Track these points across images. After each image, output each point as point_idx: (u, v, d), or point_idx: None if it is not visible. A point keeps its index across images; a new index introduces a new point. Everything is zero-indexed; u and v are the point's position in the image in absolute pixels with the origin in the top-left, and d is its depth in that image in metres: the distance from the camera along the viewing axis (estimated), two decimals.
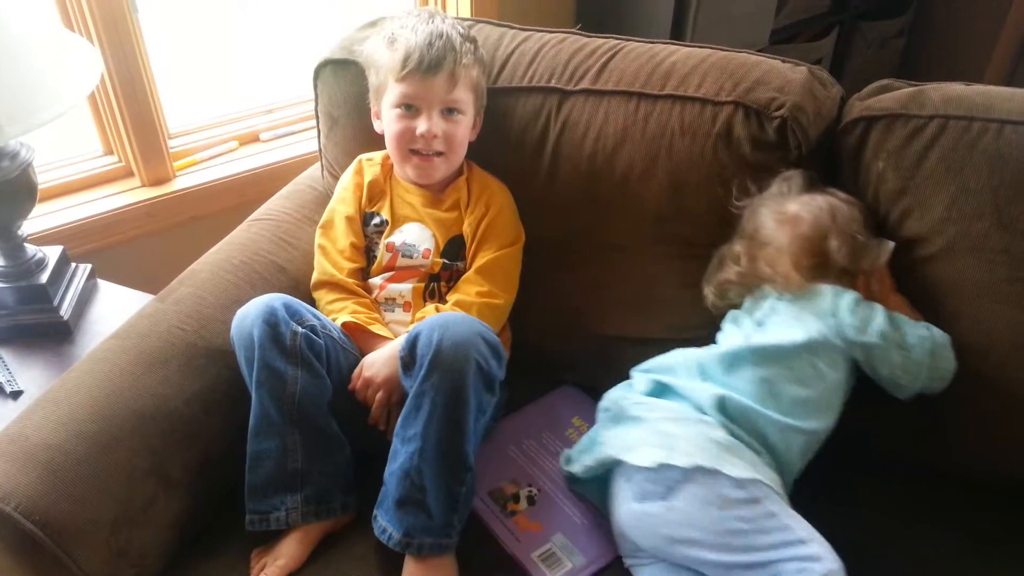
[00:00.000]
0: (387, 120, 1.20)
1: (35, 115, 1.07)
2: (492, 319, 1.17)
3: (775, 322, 1.04)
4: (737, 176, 1.13)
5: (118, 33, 1.53)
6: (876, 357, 1.01)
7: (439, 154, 1.19)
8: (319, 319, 1.10)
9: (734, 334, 1.08)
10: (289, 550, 1.01)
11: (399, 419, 1.02)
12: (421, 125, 1.16)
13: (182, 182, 1.73)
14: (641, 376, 1.10)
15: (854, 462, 1.11)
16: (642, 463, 0.96)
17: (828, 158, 1.16)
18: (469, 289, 1.18)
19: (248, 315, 1.05)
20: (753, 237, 1.09)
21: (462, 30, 1.21)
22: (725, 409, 0.99)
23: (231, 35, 1.93)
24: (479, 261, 1.20)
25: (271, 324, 1.03)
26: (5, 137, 1.06)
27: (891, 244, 1.06)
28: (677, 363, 1.08)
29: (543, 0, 2.08)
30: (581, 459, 1.07)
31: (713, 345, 1.09)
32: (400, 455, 1.00)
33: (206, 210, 1.73)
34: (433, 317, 1.03)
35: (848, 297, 1.02)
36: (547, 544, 1.04)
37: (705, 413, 1.00)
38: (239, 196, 1.74)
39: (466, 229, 1.22)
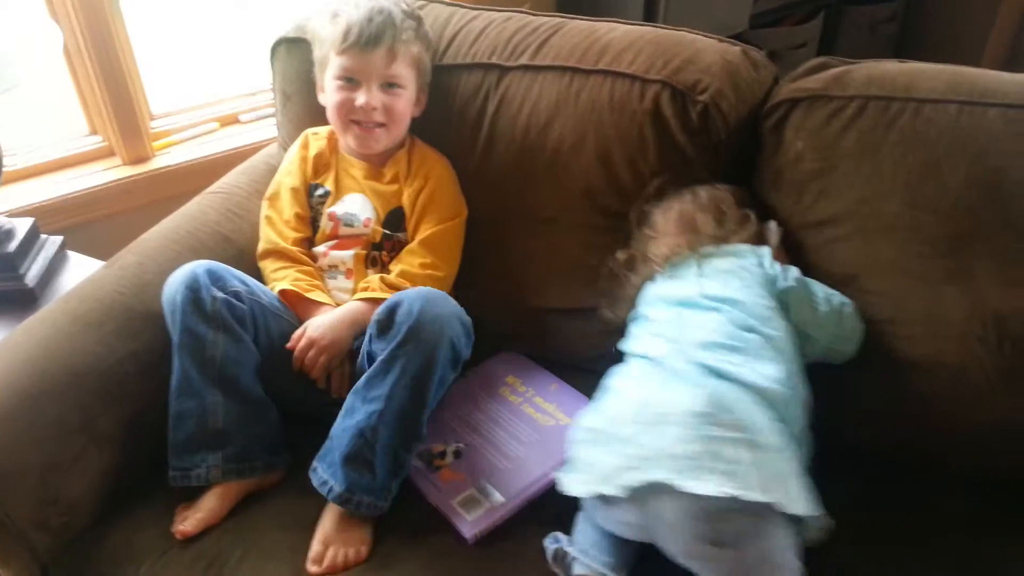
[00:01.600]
0: (328, 91, 1.24)
1: None
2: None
3: (715, 277, 1.04)
4: (663, 156, 1.16)
5: (96, 15, 1.59)
6: (793, 303, 1.02)
7: (380, 125, 1.23)
8: (247, 285, 1.15)
9: (678, 288, 1.05)
10: (209, 504, 1.06)
11: (363, 378, 1.05)
12: (360, 97, 1.20)
13: (161, 161, 1.80)
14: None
15: None
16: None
17: (752, 137, 1.17)
18: (412, 260, 1.22)
19: (173, 281, 1.10)
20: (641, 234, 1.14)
21: (405, 7, 1.24)
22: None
23: (216, 20, 1.99)
24: (422, 234, 1.24)
25: (193, 289, 1.08)
26: None
27: (775, 224, 1.09)
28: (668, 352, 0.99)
29: None
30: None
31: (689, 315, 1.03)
32: (358, 412, 1.03)
33: (183, 189, 1.76)
34: (415, 290, 1.07)
35: (766, 249, 1.05)
36: (468, 490, 1.07)
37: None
38: (217, 175, 1.77)
39: (405, 201, 1.26)
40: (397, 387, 1.02)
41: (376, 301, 1.14)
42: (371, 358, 1.07)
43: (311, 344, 1.13)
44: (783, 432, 0.89)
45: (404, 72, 1.22)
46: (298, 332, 1.14)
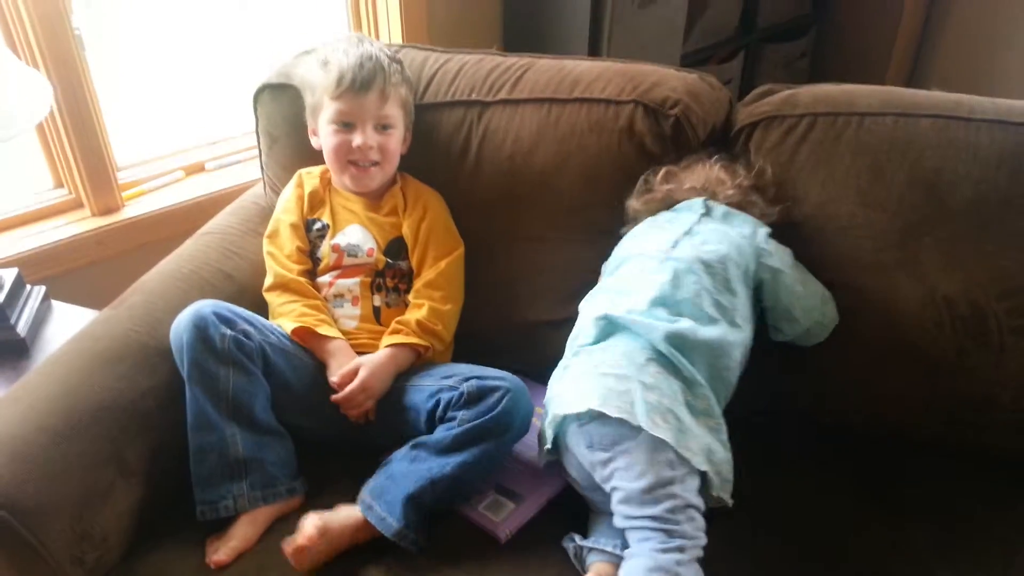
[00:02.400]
0: (324, 135, 1.31)
1: None
2: (451, 325, 1.31)
3: (706, 232, 1.16)
4: (639, 166, 1.27)
5: (66, 69, 1.62)
6: (782, 284, 1.14)
7: (375, 164, 1.31)
8: (252, 324, 1.19)
9: (660, 239, 1.17)
10: (241, 532, 1.09)
11: (439, 436, 1.10)
12: (357, 139, 1.27)
13: (130, 211, 1.82)
14: (590, 319, 1.13)
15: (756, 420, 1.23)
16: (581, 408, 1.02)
17: (719, 143, 1.30)
18: (433, 295, 1.29)
19: (180, 322, 1.14)
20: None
21: (389, 53, 1.34)
22: (673, 344, 1.05)
23: (175, 71, 2.03)
24: (431, 266, 1.31)
25: (200, 328, 1.12)
26: None
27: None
28: (631, 287, 1.13)
29: (470, 25, 2.23)
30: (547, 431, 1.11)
31: (655, 253, 1.16)
32: (429, 462, 1.09)
33: (155, 236, 1.81)
34: (512, 379, 1.13)
35: (765, 229, 1.17)
36: (490, 496, 1.14)
37: (657, 349, 1.05)
38: (186, 222, 1.80)
39: (406, 231, 1.33)
40: (481, 456, 1.08)
41: (411, 346, 1.24)
42: (438, 416, 1.13)
43: (364, 388, 1.18)
44: (662, 374, 1.03)
45: (394, 112, 1.31)
46: (347, 371, 1.20)
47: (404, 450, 1.12)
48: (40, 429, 1.04)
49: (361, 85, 1.26)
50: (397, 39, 2.09)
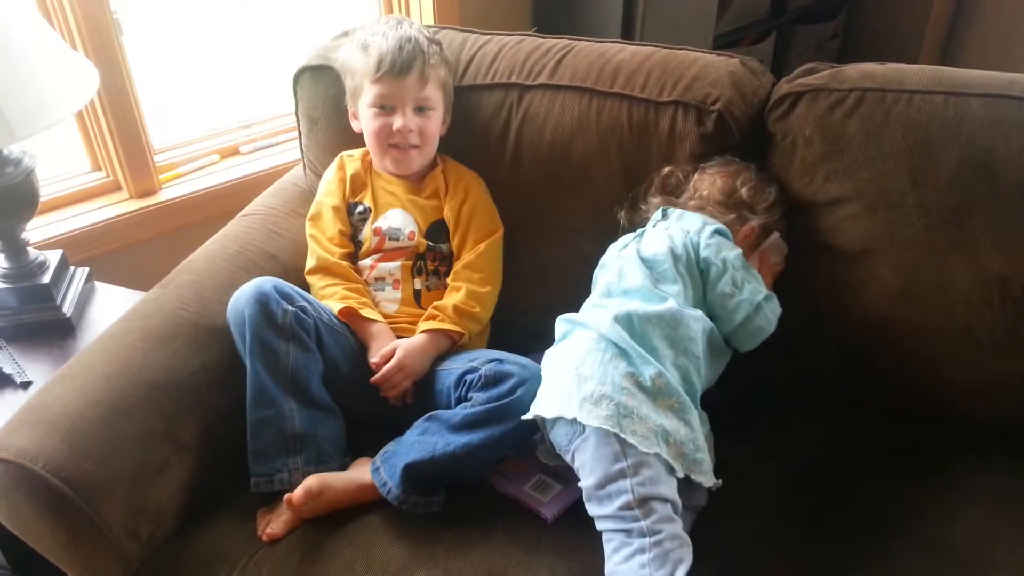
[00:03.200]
0: (365, 119, 1.31)
1: (41, 119, 1.17)
2: (490, 306, 1.32)
3: (652, 233, 1.19)
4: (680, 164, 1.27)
5: (106, 55, 1.63)
6: (711, 278, 1.13)
7: (414, 147, 1.31)
8: (308, 301, 1.20)
9: (616, 246, 1.22)
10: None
11: (457, 413, 1.11)
12: (397, 121, 1.27)
13: (167, 193, 1.83)
14: (558, 322, 1.16)
15: (800, 402, 1.26)
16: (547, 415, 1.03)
17: (760, 132, 1.29)
18: (471, 276, 1.30)
19: (241, 296, 1.15)
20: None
21: (428, 34, 1.33)
22: (621, 324, 1.05)
23: (210, 54, 2.04)
24: (471, 249, 1.32)
25: (262, 303, 1.13)
26: (15, 139, 1.15)
27: (777, 236, 1.21)
28: (594, 286, 1.20)
29: (502, 6, 2.22)
30: None
31: (609, 259, 1.21)
32: (436, 436, 1.10)
33: (192, 219, 1.83)
34: (532, 366, 1.13)
35: (712, 227, 1.17)
36: (535, 476, 1.14)
37: (605, 335, 1.05)
38: (223, 205, 1.83)
39: (448, 214, 1.33)
40: (485, 439, 1.08)
41: (447, 332, 1.24)
42: (457, 396, 1.15)
43: (400, 368, 1.19)
44: (601, 362, 1.03)
45: (434, 94, 1.31)
46: (386, 351, 1.21)
47: (420, 421, 1.14)
48: (96, 405, 1.05)
49: (401, 68, 1.26)
50: (428, 19, 2.08)
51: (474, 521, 1.09)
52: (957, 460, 1.17)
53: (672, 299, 1.09)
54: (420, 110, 1.29)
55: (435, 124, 1.32)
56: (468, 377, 1.14)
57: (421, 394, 1.23)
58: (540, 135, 1.34)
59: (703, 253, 1.14)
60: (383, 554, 1.04)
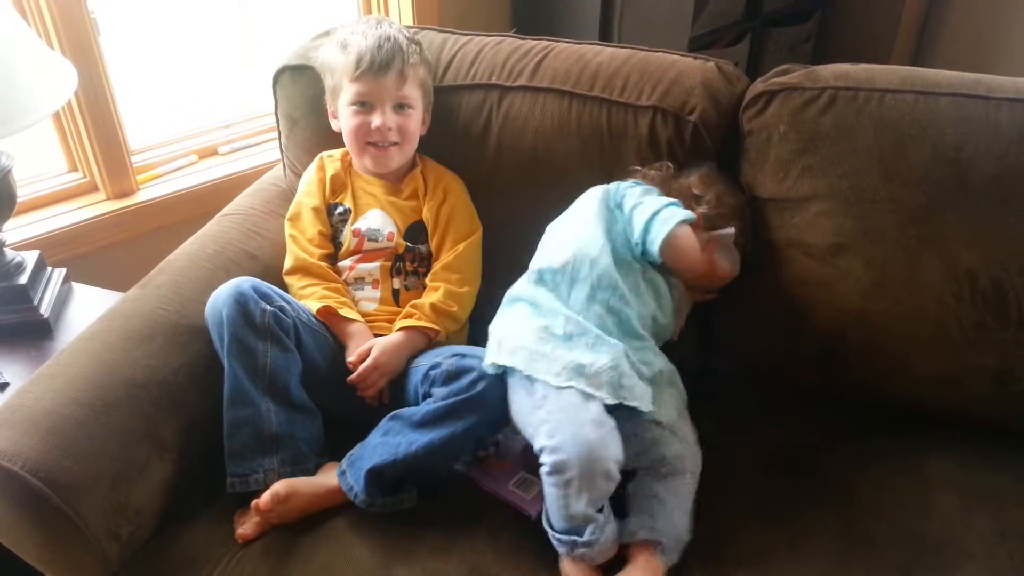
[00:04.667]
0: (344, 117, 1.32)
1: (20, 118, 1.16)
2: (468, 305, 1.32)
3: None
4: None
5: (83, 55, 1.62)
6: (622, 202, 1.20)
7: (394, 144, 1.31)
8: (287, 301, 1.20)
9: None
10: None
11: (418, 411, 1.10)
12: (376, 119, 1.28)
13: (145, 194, 1.82)
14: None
15: (773, 394, 1.29)
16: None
17: (734, 133, 1.31)
18: (449, 277, 1.31)
19: (219, 296, 1.15)
20: None
21: (408, 34, 1.34)
22: (533, 282, 1.17)
23: (187, 55, 2.03)
24: (450, 250, 1.33)
25: (240, 303, 1.13)
26: None
27: (731, 230, 1.22)
28: None
29: (481, 7, 2.24)
30: None
31: None
32: (399, 436, 1.09)
33: (170, 220, 1.82)
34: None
35: (628, 183, 1.24)
36: (518, 474, 1.15)
37: (521, 297, 1.17)
38: (201, 206, 1.82)
39: (426, 215, 1.34)
40: (447, 437, 1.08)
41: (423, 329, 1.25)
42: (422, 392, 1.15)
43: (376, 366, 1.20)
44: (519, 318, 1.14)
45: (413, 93, 1.31)
46: (362, 351, 1.21)
47: (383, 421, 1.14)
48: (76, 404, 1.05)
49: (380, 66, 1.27)
50: (408, 20, 2.09)
51: (457, 519, 1.10)
52: (928, 452, 1.20)
53: (572, 247, 1.15)
54: (399, 108, 1.30)
55: (414, 122, 1.33)
56: (432, 373, 1.14)
57: (396, 393, 1.23)
58: (521, 136, 1.35)
59: (618, 196, 1.21)
60: (362, 552, 1.05)
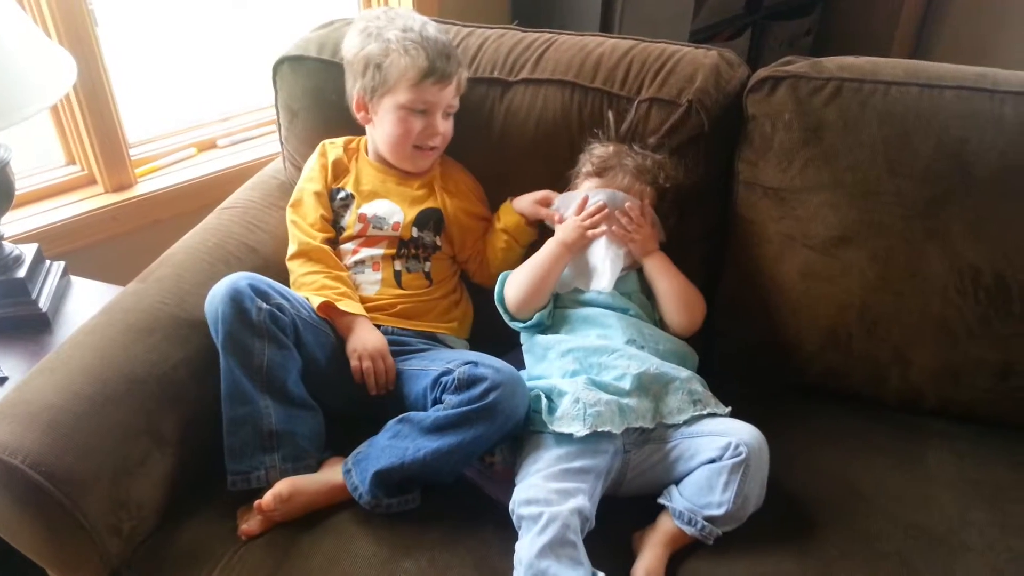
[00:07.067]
0: (392, 119, 1.28)
1: (20, 109, 1.15)
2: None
3: None
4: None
5: (81, 47, 1.60)
6: None
7: (435, 148, 1.32)
8: (286, 298, 1.18)
9: None
10: None
11: (428, 417, 1.09)
12: (432, 126, 1.29)
13: (143, 187, 1.81)
14: None
15: (777, 387, 1.29)
16: None
17: (734, 117, 1.30)
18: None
19: (216, 294, 1.14)
20: None
21: (445, 35, 1.33)
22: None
23: (187, 48, 2.02)
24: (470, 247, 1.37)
25: (236, 301, 1.12)
26: None
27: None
28: None
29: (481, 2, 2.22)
30: None
31: None
32: (407, 440, 1.09)
33: (169, 213, 1.81)
34: (506, 369, 1.10)
35: None
36: None
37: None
38: (200, 199, 1.81)
39: (446, 208, 1.34)
40: (456, 444, 1.07)
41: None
42: (432, 397, 1.13)
43: (359, 359, 1.19)
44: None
45: (458, 99, 1.32)
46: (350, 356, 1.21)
47: (392, 422, 1.13)
48: (77, 398, 1.04)
49: (444, 76, 1.27)
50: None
51: (463, 517, 1.10)
52: (928, 445, 1.20)
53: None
54: (447, 115, 1.31)
55: (452, 125, 1.34)
56: (443, 379, 1.12)
57: (398, 392, 1.21)
58: (524, 127, 1.34)
59: None
60: (367, 546, 1.04)
